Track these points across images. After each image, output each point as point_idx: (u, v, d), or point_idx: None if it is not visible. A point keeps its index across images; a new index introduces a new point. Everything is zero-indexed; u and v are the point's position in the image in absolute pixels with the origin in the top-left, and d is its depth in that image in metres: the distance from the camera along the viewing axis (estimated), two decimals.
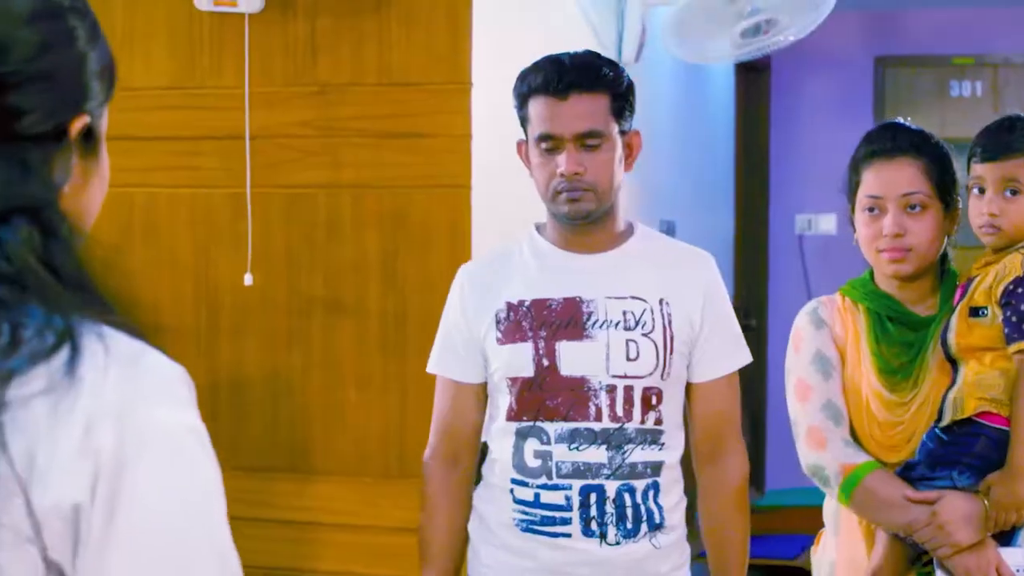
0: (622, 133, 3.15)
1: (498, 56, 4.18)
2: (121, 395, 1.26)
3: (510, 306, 3.17)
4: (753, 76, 8.56)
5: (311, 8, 4.17)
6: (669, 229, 6.21)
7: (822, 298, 3.27)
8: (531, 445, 3.13)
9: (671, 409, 3.17)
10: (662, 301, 3.15)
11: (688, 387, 3.23)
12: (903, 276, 3.12)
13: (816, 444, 3.12)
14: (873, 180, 3.12)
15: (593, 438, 3.09)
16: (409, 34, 4.09)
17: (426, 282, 4.08)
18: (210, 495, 1.32)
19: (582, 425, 3.09)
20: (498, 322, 3.17)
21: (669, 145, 6.57)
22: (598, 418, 3.09)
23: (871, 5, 8.47)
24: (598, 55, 3.20)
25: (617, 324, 3.12)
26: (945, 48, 8.62)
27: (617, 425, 3.10)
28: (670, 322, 3.14)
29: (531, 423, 3.13)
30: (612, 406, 3.10)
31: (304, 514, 4.18)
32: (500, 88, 4.16)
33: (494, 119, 4.11)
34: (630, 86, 3.18)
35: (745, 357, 3.27)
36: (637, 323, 3.13)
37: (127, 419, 1.25)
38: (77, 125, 1.37)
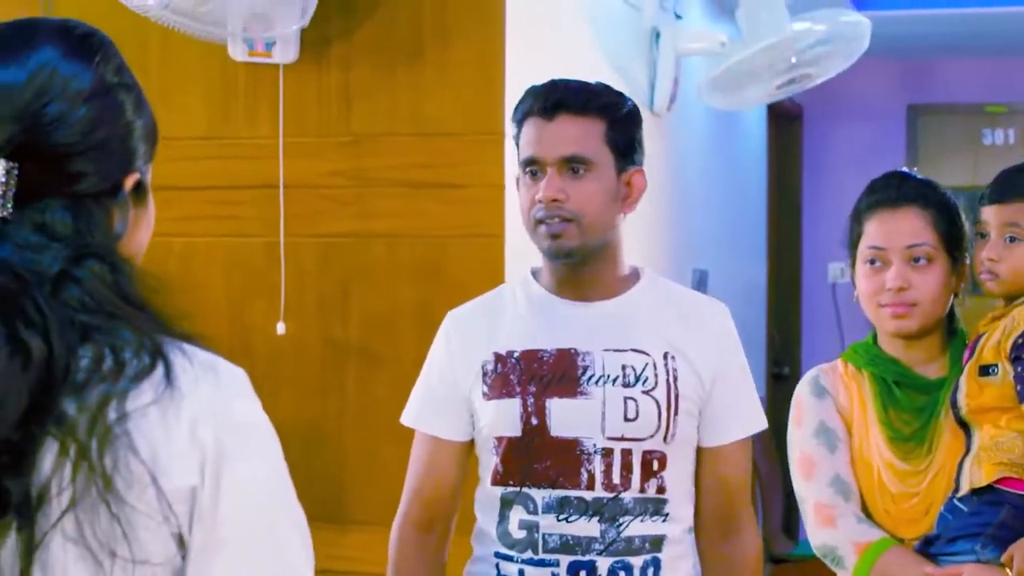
0: (621, 170, 2.82)
1: None
2: (211, 397, 1.59)
3: (498, 357, 2.84)
4: (785, 124, 8.57)
5: (345, 59, 4.20)
6: (702, 278, 6.21)
7: (823, 366, 3.06)
8: (517, 514, 2.80)
9: (677, 476, 2.82)
10: (667, 355, 2.80)
11: (697, 452, 2.88)
12: (906, 334, 2.92)
13: (825, 521, 2.91)
14: (876, 230, 2.93)
15: (584, 508, 2.75)
16: (443, 85, 4.11)
17: None
18: (284, 471, 1.64)
19: (572, 493, 2.75)
20: (485, 375, 2.84)
21: (701, 194, 6.58)
22: (590, 486, 2.75)
23: (904, 54, 8.48)
24: (605, 85, 2.91)
25: (615, 380, 2.77)
26: (977, 96, 8.63)
27: (611, 494, 2.75)
28: (675, 378, 2.79)
29: (516, 489, 2.79)
30: (607, 472, 2.75)
31: (339, 563, 4.18)
32: None
33: None
34: (632, 117, 2.87)
35: (761, 422, 2.93)
36: (638, 379, 2.78)
37: (220, 416, 1.58)
38: (129, 181, 1.66)
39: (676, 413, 2.78)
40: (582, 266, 2.83)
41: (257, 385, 4.65)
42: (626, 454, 2.76)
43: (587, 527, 2.75)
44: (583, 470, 2.75)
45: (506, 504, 2.81)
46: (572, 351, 2.80)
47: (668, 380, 2.78)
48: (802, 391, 3.04)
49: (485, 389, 2.83)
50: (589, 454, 2.75)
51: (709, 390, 2.82)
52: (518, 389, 2.79)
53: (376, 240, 4.18)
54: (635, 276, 2.92)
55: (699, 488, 2.91)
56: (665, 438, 2.78)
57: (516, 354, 2.82)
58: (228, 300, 4.31)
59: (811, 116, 8.77)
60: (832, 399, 2.99)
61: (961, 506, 2.80)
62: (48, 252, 1.54)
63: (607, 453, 2.75)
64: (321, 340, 4.23)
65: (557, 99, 2.80)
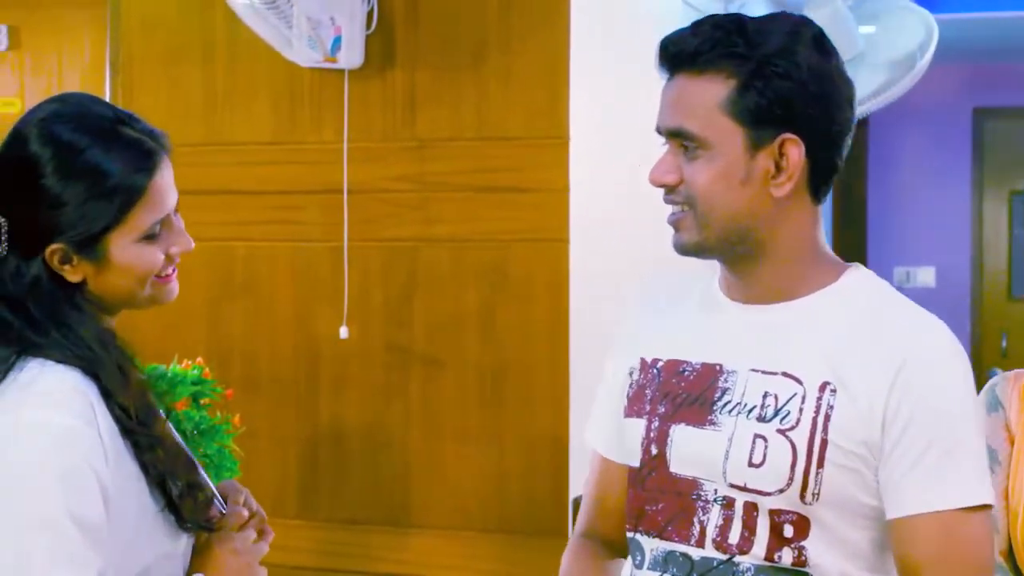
0: (759, 143, 2.05)
1: (595, 110, 4.19)
2: (8, 402, 1.91)
3: (643, 364, 2.20)
4: None
5: (410, 64, 4.20)
6: None
7: (1008, 372, 2.46)
8: (629, 568, 2.18)
9: (828, 548, 2.03)
10: (826, 387, 2.01)
11: (888, 526, 2.03)
12: None
13: None
14: None
15: (688, 569, 2.07)
16: (507, 89, 4.11)
17: (524, 335, 4.08)
18: (42, 473, 1.87)
19: (679, 548, 2.08)
20: (630, 384, 2.21)
21: None
22: (699, 542, 2.06)
23: (969, 57, 8.42)
24: (764, 20, 2.11)
25: (750, 411, 2.04)
26: None
27: (723, 556, 2.04)
28: (827, 418, 1.99)
29: (631, 534, 2.17)
30: (724, 528, 2.04)
31: (403, 567, 4.19)
32: (598, 142, 4.18)
33: (591, 173, 4.11)
34: (786, 66, 2.04)
35: (975, 495, 1.97)
36: (776, 413, 2.03)
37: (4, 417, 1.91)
38: (49, 251, 1.98)
39: (820, 465, 2.00)
40: (733, 265, 2.14)
41: (321, 388, 4.71)
42: (750, 509, 2.03)
43: None
44: (695, 520, 2.08)
45: (632, 552, 2.19)
46: (717, 368, 2.11)
47: (815, 419, 2.01)
48: (977, 402, 2.22)
49: (625, 402, 2.21)
50: (707, 501, 2.07)
51: (881, 438, 2.00)
52: (647, 408, 2.15)
53: (440, 244, 4.18)
54: (831, 274, 2.14)
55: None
56: (803, 496, 2.01)
57: (660, 363, 2.18)
58: (293, 304, 4.33)
59: (876, 120, 8.71)
60: (1004, 412, 2.42)
61: None
62: None
63: (727, 504, 2.05)
64: (385, 344, 4.24)
65: (677, 50, 2.07)
